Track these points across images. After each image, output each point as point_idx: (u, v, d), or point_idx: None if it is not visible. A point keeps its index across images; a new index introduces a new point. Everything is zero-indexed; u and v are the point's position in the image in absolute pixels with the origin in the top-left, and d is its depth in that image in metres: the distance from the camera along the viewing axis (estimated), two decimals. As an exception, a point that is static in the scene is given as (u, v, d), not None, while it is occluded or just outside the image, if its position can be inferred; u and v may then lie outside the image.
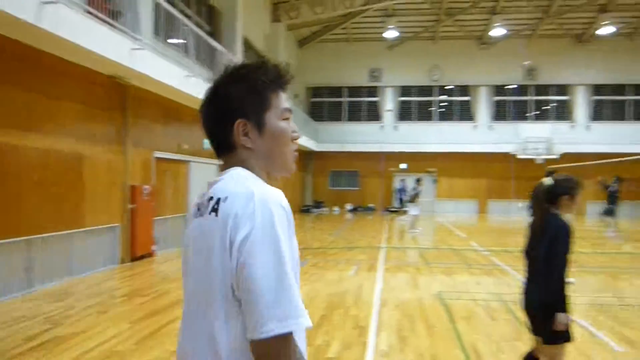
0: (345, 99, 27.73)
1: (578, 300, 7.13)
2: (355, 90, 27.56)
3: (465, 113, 26.93)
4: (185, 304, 1.29)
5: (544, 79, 26.21)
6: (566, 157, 23.26)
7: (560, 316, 3.10)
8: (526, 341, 3.58)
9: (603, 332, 5.46)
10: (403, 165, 25.53)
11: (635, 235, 15.81)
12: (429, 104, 27.40)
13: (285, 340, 1.08)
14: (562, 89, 26.36)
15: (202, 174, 13.51)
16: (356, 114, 27.64)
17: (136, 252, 9.82)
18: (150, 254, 10.35)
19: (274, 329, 1.06)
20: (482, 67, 26.15)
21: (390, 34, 25.09)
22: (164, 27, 11.50)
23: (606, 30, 23.81)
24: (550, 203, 3.30)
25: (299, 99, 26.69)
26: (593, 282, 8.40)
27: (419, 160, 25.72)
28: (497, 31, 24.53)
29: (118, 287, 7.77)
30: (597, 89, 26.09)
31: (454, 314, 6.21)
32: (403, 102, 27.24)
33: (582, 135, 25.50)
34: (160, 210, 11.12)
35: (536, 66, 26.11)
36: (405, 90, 27.28)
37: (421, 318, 6.02)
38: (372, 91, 27.42)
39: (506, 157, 25.23)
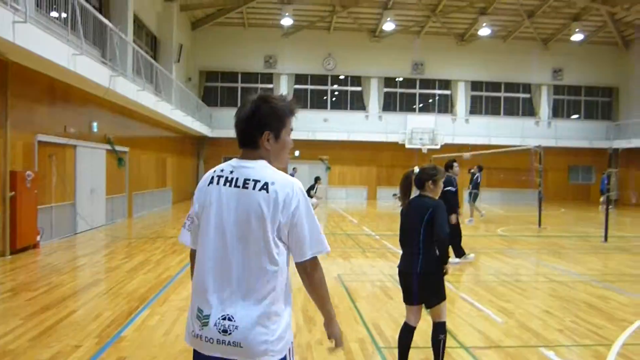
0: (239, 85, 27.43)
1: (462, 279, 7.87)
2: (250, 76, 27.39)
3: (357, 103, 27.95)
4: (217, 241, 1.95)
5: (430, 73, 27.99)
6: (447, 147, 25.05)
7: (447, 267, 3.80)
8: (423, 316, 3.95)
9: (485, 305, 6.11)
10: (296, 153, 25.91)
11: (505, 220, 17.56)
12: (323, 92, 28.02)
13: (316, 259, 2.01)
14: (445, 84, 28.34)
15: (90, 159, 12.71)
16: (251, 100, 27.41)
17: (18, 243, 9.06)
18: (34, 245, 9.60)
19: (313, 253, 1.98)
20: (373, 59, 27.26)
21: (286, 21, 25.19)
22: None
23: (484, 31, 25.91)
24: (419, 188, 3.92)
25: (192, 83, 25.92)
26: (473, 262, 9.27)
27: (313, 148, 26.27)
28: (388, 26, 25.65)
29: (0, 282, 7.16)
30: (476, 85, 28.40)
31: (354, 295, 6.57)
32: (297, 89, 27.56)
33: (461, 127, 27.65)
34: (44, 198, 10.33)
35: (423, 61, 27.75)
36: (300, 78, 27.63)
37: (324, 300, 6.28)
38: (267, 78, 27.41)
39: (395, 146, 26.66)
